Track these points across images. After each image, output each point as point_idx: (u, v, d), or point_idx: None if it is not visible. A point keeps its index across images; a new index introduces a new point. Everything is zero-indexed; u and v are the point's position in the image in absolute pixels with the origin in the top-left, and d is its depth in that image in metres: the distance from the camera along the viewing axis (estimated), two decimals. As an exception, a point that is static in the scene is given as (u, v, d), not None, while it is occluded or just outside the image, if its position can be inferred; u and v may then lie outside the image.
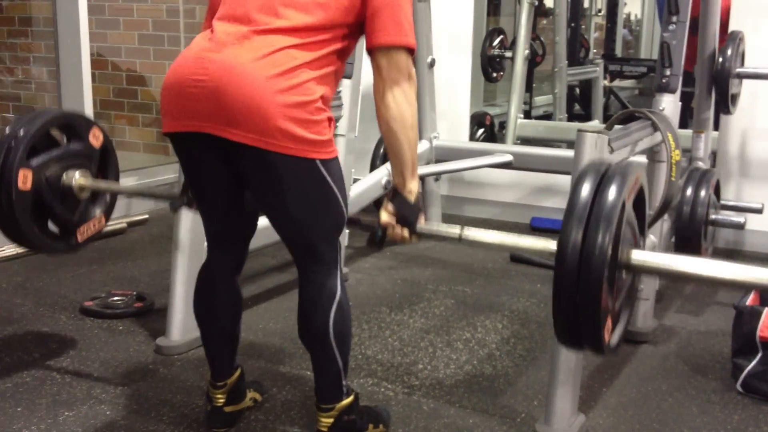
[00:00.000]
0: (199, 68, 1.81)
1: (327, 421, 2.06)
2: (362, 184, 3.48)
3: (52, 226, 2.42)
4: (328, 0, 1.83)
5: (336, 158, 1.91)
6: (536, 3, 5.33)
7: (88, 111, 4.22)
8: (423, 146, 4.17)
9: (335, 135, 3.40)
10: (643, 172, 1.70)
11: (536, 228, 4.47)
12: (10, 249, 3.65)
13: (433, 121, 4.21)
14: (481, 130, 5.27)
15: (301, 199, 1.88)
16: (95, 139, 2.46)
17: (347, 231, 3.52)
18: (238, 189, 2.00)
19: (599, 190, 1.57)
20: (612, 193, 1.56)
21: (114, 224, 4.19)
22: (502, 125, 5.48)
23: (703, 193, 3.12)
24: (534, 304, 3.30)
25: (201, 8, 5.11)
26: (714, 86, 3.47)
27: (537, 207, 4.56)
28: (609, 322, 1.62)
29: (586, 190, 1.58)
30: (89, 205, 2.47)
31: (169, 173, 4.67)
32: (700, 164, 3.42)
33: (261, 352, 2.75)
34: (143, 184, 4.58)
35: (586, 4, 7.19)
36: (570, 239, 1.54)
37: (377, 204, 3.45)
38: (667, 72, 2.96)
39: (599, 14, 7.47)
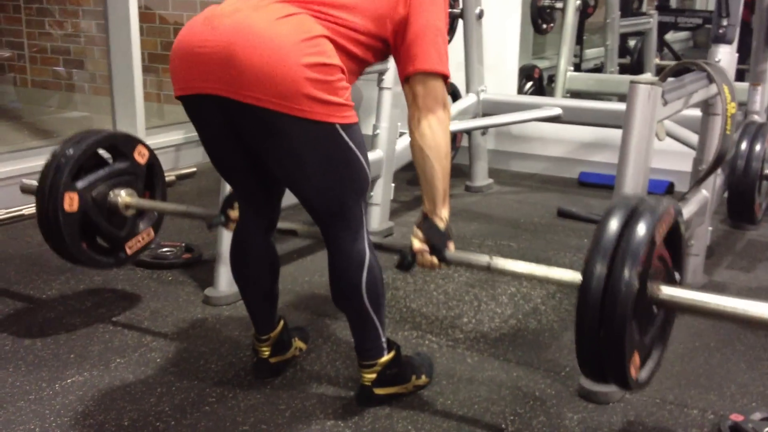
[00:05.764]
0: (207, 29, 1.77)
1: (370, 376, 2.09)
2: (407, 139, 3.45)
3: (102, 242, 2.51)
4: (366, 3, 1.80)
5: (356, 124, 1.85)
6: (588, -48, 5.20)
7: (137, 64, 4.26)
8: (470, 100, 4.12)
9: (381, 87, 3.42)
10: (676, 208, 1.66)
11: (584, 182, 4.41)
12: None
13: (481, 74, 4.16)
14: (529, 84, 5.18)
15: (323, 166, 1.83)
16: (140, 156, 2.52)
17: (393, 185, 3.51)
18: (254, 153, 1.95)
19: (628, 224, 1.56)
20: (641, 228, 1.54)
21: (163, 177, 4.25)
22: (552, 78, 5.38)
23: (758, 147, 3.04)
24: (580, 259, 3.22)
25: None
26: (773, 37, 3.35)
27: (586, 161, 4.49)
28: (636, 358, 1.60)
29: (614, 224, 1.57)
30: (137, 220, 2.55)
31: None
32: (756, 118, 3.33)
33: (306, 305, 2.77)
34: (190, 137, 4.62)
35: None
36: (595, 273, 1.53)
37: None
38: (724, 22, 2.86)
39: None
